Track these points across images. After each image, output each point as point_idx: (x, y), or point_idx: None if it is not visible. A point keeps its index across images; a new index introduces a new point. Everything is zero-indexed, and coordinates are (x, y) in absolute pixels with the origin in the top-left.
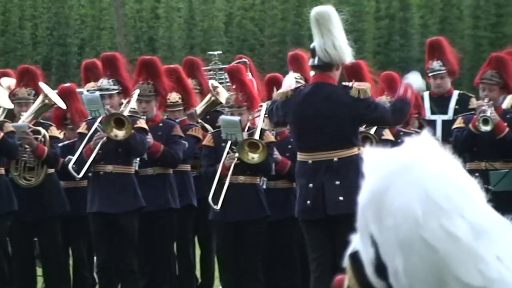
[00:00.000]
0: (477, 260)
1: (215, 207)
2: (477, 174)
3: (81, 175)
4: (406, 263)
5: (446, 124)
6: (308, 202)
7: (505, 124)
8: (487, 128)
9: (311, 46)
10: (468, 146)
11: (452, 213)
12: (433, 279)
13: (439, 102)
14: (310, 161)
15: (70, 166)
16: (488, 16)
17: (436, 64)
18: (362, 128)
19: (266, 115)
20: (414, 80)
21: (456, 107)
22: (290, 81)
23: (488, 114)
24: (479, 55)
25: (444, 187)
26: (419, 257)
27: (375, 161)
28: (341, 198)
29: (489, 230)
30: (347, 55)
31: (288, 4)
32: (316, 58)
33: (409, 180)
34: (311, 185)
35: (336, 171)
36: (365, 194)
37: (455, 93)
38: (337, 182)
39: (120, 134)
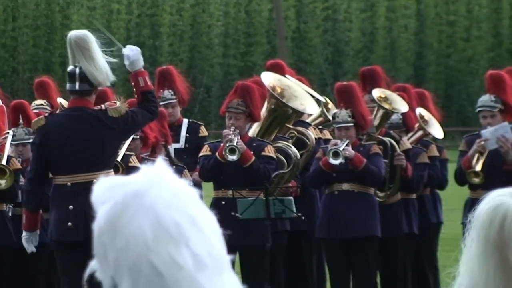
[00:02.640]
0: None
1: None
2: (223, 202)
3: None
4: (134, 287)
5: (179, 152)
6: (70, 224)
7: (251, 152)
8: (234, 157)
9: (69, 70)
10: (215, 174)
11: (179, 241)
12: None
13: (171, 131)
14: (69, 184)
15: None
16: (238, 45)
17: (167, 93)
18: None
19: (13, 142)
20: (133, 53)
21: (187, 135)
22: None
23: (235, 143)
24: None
25: (174, 214)
26: (146, 281)
27: (110, 187)
28: None
29: (209, 264)
30: (108, 78)
31: (39, 31)
32: (77, 83)
33: (142, 205)
34: (71, 207)
35: None
36: (101, 220)
37: (185, 121)
38: None
39: None
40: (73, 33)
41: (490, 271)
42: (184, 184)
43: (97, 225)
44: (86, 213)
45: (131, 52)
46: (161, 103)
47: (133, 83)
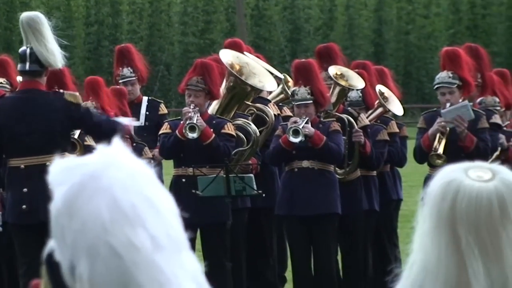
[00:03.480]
0: (158, 273)
1: None
2: (184, 180)
3: None
4: (92, 268)
5: (139, 130)
6: (24, 206)
7: (211, 130)
8: (194, 135)
9: (20, 50)
10: (175, 152)
11: (135, 222)
12: (117, 286)
13: (130, 109)
14: (22, 166)
15: None
16: (197, 23)
17: (126, 71)
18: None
19: None
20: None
21: (147, 113)
22: None
23: (194, 120)
24: (187, 61)
25: (130, 196)
26: (104, 263)
27: (66, 168)
28: None
29: (167, 245)
30: (59, 60)
31: (0, 11)
32: (27, 64)
33: (99, 186)
34: (25, 189)
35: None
36: (58, 201)
37: (145, 99)
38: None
39: None
40: (25, 14)
41: (442, 247)
42: (141, 165)
43: (54, 207)
44: (40, 196)
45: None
46: (120, 81)
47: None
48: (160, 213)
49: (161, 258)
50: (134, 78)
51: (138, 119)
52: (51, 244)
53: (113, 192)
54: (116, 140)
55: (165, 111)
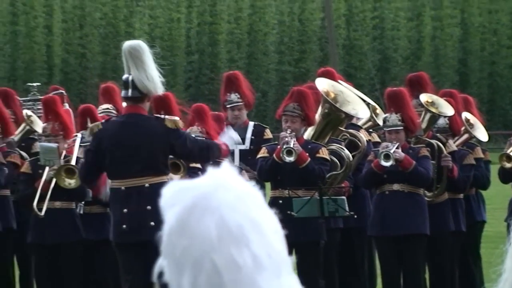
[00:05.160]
0: None
1: (40, 213)
2: (280, 202)
3: None
4: (194, 282)
5: (244, 153)
6: (124, 226)
7: (307, 154)
8: (291, 158)
9: (124, 78)
10: (272, 174)
11: (240, 242)
12: None
13: (238, 133)
14: (123, 187)
15: None
16: (292, 52)
17: (233, 96)
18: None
19: (81, 144)
20: (231, 136)
21: (252, 137)
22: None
23: (291, 145)
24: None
25: (237, 217)
26: (206, 278)
27: (179, 190)
28: (152, 223)
29: (269, 265)
30: (159, 87)
31: (106, 38)
32: (130, 90)
33: (209, 207)
34: (125, 210)
35: (147, 197)
36: (172, 221)
37: (251, 124)
38: (148, 207)
39: None
40: (127, 43)
41: None
42: (248, 187)
43: (168, 226)
44: (139, 216)
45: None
46: (227, 106)
47: None
48: (264, 234)
49: (261, 278)
50: (241, 103)
51: (243, 143)
52: (161, 263)
53: (222, 212)
54: (225, 164)
55: (270, 136)
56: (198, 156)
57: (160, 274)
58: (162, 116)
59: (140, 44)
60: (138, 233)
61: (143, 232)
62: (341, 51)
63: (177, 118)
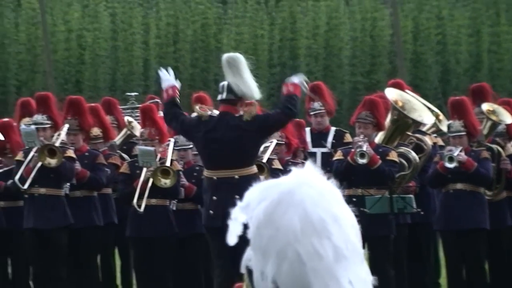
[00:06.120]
0: (333, 280)
1: (139, 210)
2: (354, 199)
3: (26, 186)
4: (277, 270)
5: (325, 155)
6: (211, 211)
7: (378, 157)
8: (364, 160)
9: (220, 84)
10: (346, 175)
11: (322, 234)
12: (296, 287)
13: (319, 137)
14: (215, 177)
15: (16, 179)
16: (364, 65)
17: (316, 105)
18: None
19: (175, 147)
20: (299, 78)
21: (333, 141)
22: None
23: (364, 148)
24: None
25: (319, 211)
26: (289, 266)
27: (266, 187)
28: None
29: (347, 256)
30: (255, 92)
31: (197, 53)
32: (224, 94)
33: (293, 201)
34: (214, 197)
35: (236, 187)
36: (260, 215)
37: (332, 129)
38: (237, 197)
39: (52, 162)
40: (226, 54)
41: None
42: (329, 185)
43: (256, 220)
44: (225, 203)
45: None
46: (311, 113)
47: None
48: (342, 227)
49: (339, 268)
50: (323, 110)
51: (324, 146)
52: (249, 253)
53: (305, 206)
54: (309, 164)
55: (350, 139)
56: (284, 117)
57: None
58: (241, 112)
59: (238, 55)
60: (223, 218)
61: (227, 218)
62: (408, 64)
63: (249, 108)
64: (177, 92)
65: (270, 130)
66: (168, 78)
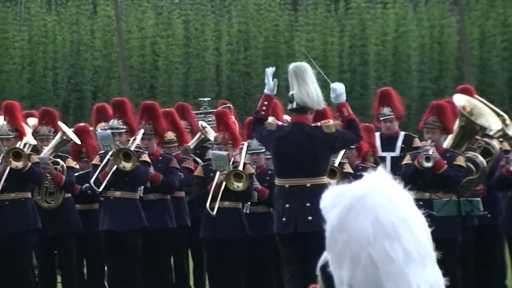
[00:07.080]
0: (404, 282)
1: (212, 212)
2: (421, 203)
3: (101, 188)
4: (352, 274)
5: (394, 160)
6: (284, 219)
7: (444, 161)
8: (429, 164)
9: (289, 94)
10: (414, 179)
11: (393, 237)
12: None
13: (388, 142)
14: (287, 185)
15: (92, 182)
16: (432, 71)
17: (386, 110)
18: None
19: (248, 152)
20: (340, 87)
21: (403, 145)
22: None
23: (430, 153)
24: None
25: (390, 215)
26: (363, 270)
27: (339, 193)
28: (310, 218)
29: (416, 259)
30: (320, 102)
31: (268, 59)
32: (294, 103)
33: (364, 206)
34: (287, 205)
35: (308, 195)
36: (333, 220)
37: (401, 133)
38: (308, 204)
39: (127, 165)
40: (293, 64)
41: None
42: (400, 189)
43: (330, 225)
44: (297, 211)
45: (338, 87)
46: (381, 118)
47: (338, 113)
48: (413, 231)
49: (410, 270)
50: (392, 116)
51: (394, 150)
52: (325, 256)
53: (376, 211)
54: (380, 169)
55: (419, 144)
56: (355, 137)
57: (323, 267)
58: (319, 124)
59: (304, 65)
60: (296, 225)
61: (300, 225)
62: (475, 70)
63: (329, 122)
64: (269, 105)
65: (341, 148)
66: (268, 82)
